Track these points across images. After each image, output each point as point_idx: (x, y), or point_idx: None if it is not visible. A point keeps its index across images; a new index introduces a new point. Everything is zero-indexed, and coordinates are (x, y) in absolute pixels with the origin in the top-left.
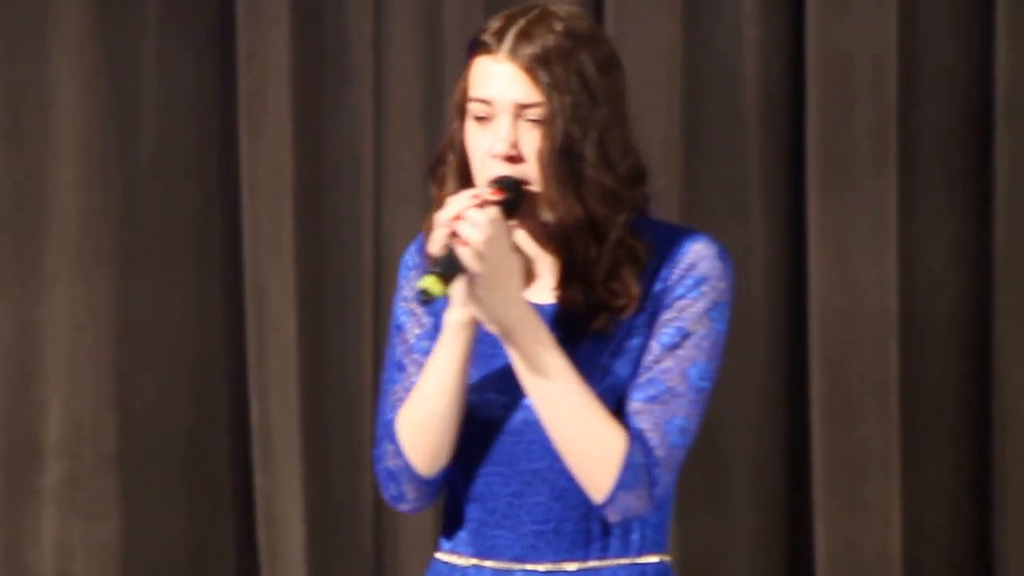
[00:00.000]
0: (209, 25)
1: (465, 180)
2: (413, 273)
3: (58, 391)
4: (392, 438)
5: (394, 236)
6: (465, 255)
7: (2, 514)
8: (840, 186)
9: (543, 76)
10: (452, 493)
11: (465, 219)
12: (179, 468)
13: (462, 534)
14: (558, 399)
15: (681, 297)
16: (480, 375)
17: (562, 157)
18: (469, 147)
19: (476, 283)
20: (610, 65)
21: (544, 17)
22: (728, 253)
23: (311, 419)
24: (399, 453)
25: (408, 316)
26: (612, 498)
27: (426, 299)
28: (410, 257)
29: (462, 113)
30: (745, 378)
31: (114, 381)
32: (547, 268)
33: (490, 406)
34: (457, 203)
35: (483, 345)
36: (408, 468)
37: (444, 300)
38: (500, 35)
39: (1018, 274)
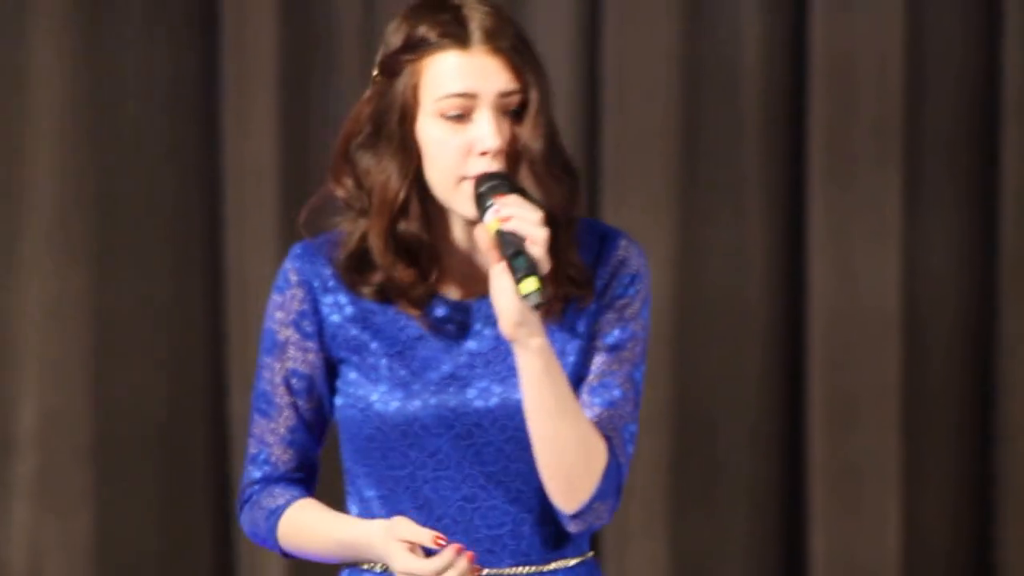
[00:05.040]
0: (192, 10)
1: (411, 178)
2: (294, 291)
3: (32, 383)
4: (268, 531)
5: None
6: (536, 251)
7: None
8: (842, 185)
9: (521, 62)
10: (387, 504)
11: (519, 218)
12: (155, 463)
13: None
14: (562, 409)
15: (620, 296)
16: (424, 380)
17: (547, 143)
18: (437, 148)
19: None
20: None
21: (483, 5)
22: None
23: None
24: (273, 543)
25: (290, 336)
26: (587, 507)
27: (539, 302)
28: (286, 275)
29: (410, 113)
30: (742, 381)
31: (90, 373)
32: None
33: (436, 411)
34: (512, 208)
35: (425, 350)
36: (280, 550)
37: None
38: (458, 29)
39: None
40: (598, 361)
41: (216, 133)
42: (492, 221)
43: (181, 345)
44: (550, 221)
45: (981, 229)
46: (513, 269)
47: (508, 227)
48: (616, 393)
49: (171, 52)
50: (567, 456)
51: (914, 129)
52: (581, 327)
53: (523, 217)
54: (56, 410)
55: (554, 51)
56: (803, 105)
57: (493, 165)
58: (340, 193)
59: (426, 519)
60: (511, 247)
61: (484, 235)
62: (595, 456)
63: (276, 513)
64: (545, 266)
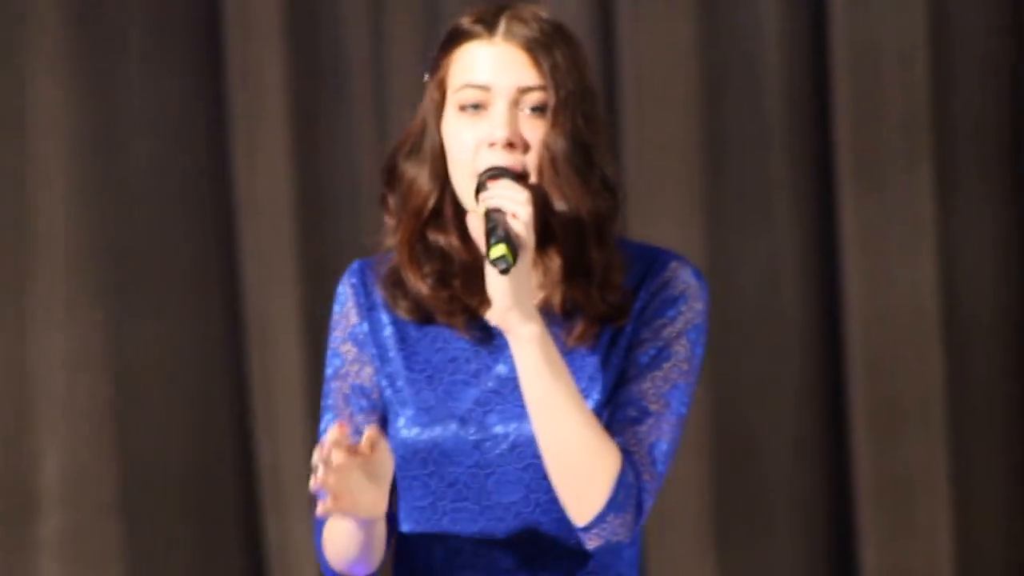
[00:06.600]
0: (198, 43)
1: (443, 180)
2: (349, 305)
3: (53, 437)
4: (317, 541)
5: None
6: (517, 226)
7: None
8: (872, 185)
9: (545, 59)
10: (405, 535)
11: (503, 196)
12: (184, 514)
13: None
14: (562, 405)
15: (658, 316)
16: (448, 406)
17: (573, 145)
18: (452, 141)
19: (519, 259)
20: (588, 61)
21: (526, 8)
22: (702, 274)
23: None
24: (323, 557)
25: (348, 350)
26: (600, 519)
27: (507, 267)
28: (344, 289)
29: (439, 109)
30: (780, 396)
31: (112, 424)
32: None
33: (455, 439)
34: (499, 189)
35: (455, 375)
36: (333, 571)
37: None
38: (490, 21)
39: None
40: (627, 379)
41: (228, 170)
42: (481, 205)
43: (204, 390)
44: (576, 231)
45: (1018, 222)
46: (487, 239)
47: (491, 204)
48: (643, 409)
49: (177, 89)
50: (569, 456)
51: (943, 124)
52: (616, 351)
53: (507, 196)
54: (80, 464)
55: None
56: (828, 104)
57: (504, 159)
58: (387, 218)
59: (444, 553)
60: (492, 222)
61: (476, 222)
62: (603, 461)
63: (318, 531)
64: (528, 243)
